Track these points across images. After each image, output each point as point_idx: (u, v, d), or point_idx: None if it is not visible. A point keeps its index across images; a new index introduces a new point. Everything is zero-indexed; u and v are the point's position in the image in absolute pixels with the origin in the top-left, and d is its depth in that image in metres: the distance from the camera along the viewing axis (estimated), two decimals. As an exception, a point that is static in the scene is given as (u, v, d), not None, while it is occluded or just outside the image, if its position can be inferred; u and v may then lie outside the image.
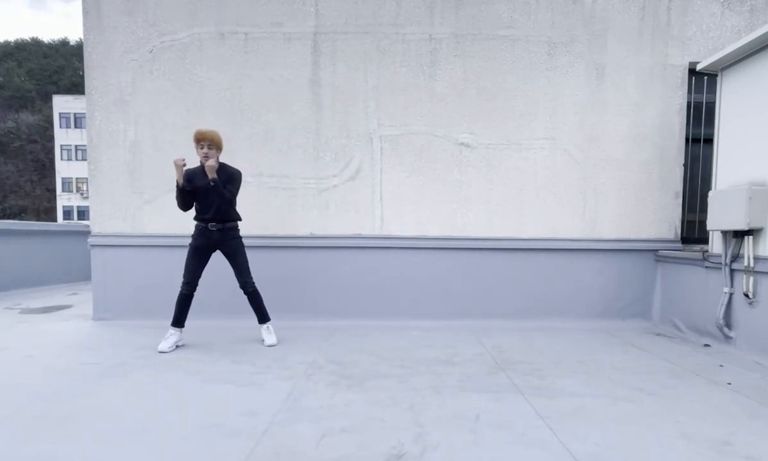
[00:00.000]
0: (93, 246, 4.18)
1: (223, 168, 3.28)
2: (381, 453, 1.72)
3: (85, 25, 4.12)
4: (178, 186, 3.16)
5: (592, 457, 1.71)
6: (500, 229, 4.21)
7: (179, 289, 3.29)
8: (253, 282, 3.40)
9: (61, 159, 41.09)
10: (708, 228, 3.47)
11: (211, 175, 3.10)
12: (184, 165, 3.13)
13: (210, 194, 3.18)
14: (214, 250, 3.35)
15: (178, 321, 3.27)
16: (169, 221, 4.15)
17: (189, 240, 3.34)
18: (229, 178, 3.27)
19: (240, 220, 3.41)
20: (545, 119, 4.17)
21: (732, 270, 3.33)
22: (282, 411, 2.11)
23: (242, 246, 3.39)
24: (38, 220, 43.33)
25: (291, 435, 1.86)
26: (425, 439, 1.84)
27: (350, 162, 4.18)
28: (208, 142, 3.14)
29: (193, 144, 3.20)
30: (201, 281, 3.32)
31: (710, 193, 3.48)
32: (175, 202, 4.11)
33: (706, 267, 3.61)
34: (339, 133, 4.17)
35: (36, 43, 59.72)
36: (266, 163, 4.17)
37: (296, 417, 2.05)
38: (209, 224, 3.25)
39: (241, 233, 3.44)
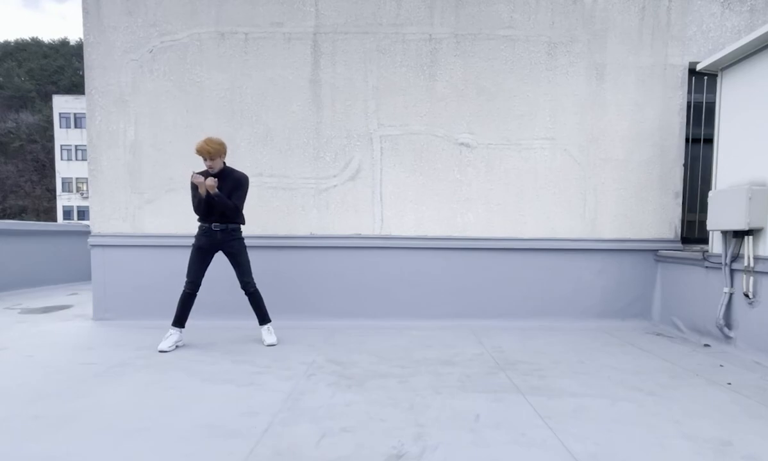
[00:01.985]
0: (93, 246, 4.18)
1: (230, 173, 3.30)
2: (381, 453, 1.72)
3: (85, 25, 4.12)
4: (200, 194, 3.16)
5: (592, 457, 1.71)
6: (500, 228, 4.21)
7: (179, 289, 3.29)
8: (254, 283, 3.41)
9: (61, 159, 41.07)
10: (708, 228, 3.47)
11: (213, 191, 3.12)
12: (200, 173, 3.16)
13: (214, 202, 3.20)
14: (217, 251, 3.35)
15: (179, 320, 3.28)
16: (169, 221, 4.15)
17: (189, 241, 3.35)
18: (236, 185, 3.29)
19: (244, 223, 3.41)
20: (545, 119, 4.17)
21: (732, 270, 3.33)
22: (282, 411, 2.11)
23: (244, 247, 3.40)
24: (38, 220, 43.27)
25: (291, 435, 1.86)
26: (425, 439, 1.84)
27: (350, 162, 4.18)
28: (205, 155, 3.16)
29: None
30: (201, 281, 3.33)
31: (710, 193, 3.48)
32: (174, 202, 4.16)
33: (706, 267, 3.61)
34: (339, 133, 4.17)
35: (36, 43, 59.64)
36: (266, 163, 4.17)
37: (296, 417, 2.05)
38: (213, 224, 3.27)
39: (242, 233, 3.44)
